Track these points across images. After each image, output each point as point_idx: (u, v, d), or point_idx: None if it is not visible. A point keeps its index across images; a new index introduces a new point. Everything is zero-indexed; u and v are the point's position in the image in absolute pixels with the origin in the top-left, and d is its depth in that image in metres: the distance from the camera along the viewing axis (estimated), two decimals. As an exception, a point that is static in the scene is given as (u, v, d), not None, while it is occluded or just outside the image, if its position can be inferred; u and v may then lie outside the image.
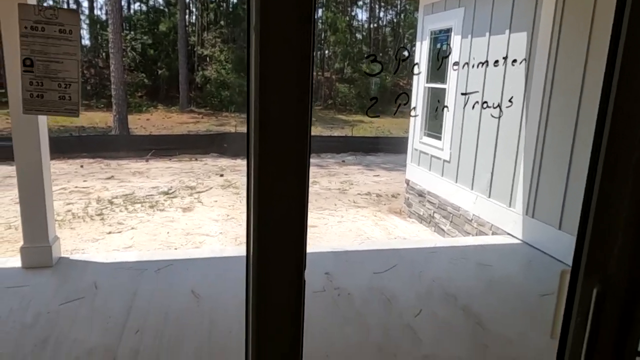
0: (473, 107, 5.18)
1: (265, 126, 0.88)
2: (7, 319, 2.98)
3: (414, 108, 6.83)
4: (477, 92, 5.40)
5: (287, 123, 0.89)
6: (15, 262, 3.79)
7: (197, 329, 2.93)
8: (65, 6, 25.33)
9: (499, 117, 5.16)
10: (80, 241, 5.97)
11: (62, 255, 4.01)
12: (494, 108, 4.90)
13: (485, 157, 5.46)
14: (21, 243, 3.75)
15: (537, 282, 3.86)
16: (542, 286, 3.76)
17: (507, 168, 5.05)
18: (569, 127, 4.19)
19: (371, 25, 30.09)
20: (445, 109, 5.73)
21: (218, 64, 24.70)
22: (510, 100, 4.80)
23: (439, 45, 6.72)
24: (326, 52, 28.68)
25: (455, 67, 5.87)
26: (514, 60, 4.87)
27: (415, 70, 6.84)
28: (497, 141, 5.25)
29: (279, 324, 0.96)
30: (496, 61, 5.19)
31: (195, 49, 25.19)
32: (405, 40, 29.00)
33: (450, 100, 6.24)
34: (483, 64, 5.31)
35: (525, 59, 4.72)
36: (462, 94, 5.68)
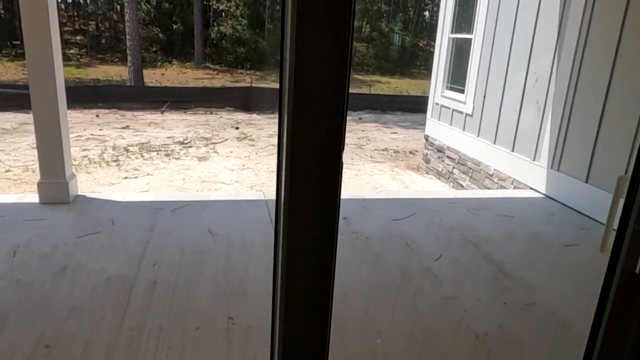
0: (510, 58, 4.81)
1: (300, 83, 0.77)
2: (26, 249, 2.98)
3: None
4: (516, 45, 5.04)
5: (324, 74, 0.78)
6: (33, 198, 3.79)
7: (213, 263, 2.91)
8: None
9: (528, 67, 4.92)
10: (97, 185, 5.98)
11: (79, 193, 4.00)
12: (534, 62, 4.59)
13: (510, 110, 5.26)
14: (39, 179, 3.74)
15: (560, 234, 3.76)
16: (565, 238, 3.66)
17: (533, 121, 4.86)
18: (602, 77, 3.97)
19: (392, -18, 28.98)
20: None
21: (234, 19, 24.16)
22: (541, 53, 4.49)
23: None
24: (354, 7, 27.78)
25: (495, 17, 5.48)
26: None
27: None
28: (524, 93, 5.03)
29: (309, 270, 0.88)
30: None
31: (210, 4, 24.62)
32: (427, -1, 27.99)
33: (476, 49, 5.98)
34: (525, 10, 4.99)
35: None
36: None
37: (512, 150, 5.20)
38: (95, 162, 6.93)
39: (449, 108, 6.69)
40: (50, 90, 3.55)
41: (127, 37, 17.13)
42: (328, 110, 0.80)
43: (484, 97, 5.79)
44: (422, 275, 2.93)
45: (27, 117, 8.89)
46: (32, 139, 3.65)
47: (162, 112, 11.99)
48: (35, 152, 3.65)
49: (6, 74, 17.23)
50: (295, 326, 0.92)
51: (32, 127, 3.62)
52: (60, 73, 3.64)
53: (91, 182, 5.99)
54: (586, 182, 4.14)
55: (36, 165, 3.68)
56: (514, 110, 5.17)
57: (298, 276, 0.89)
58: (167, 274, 2.77)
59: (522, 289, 2.82)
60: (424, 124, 7.45)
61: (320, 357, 0.95)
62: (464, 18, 6.51)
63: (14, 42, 20.22)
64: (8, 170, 6.29)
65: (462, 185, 6.23)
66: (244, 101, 13.38)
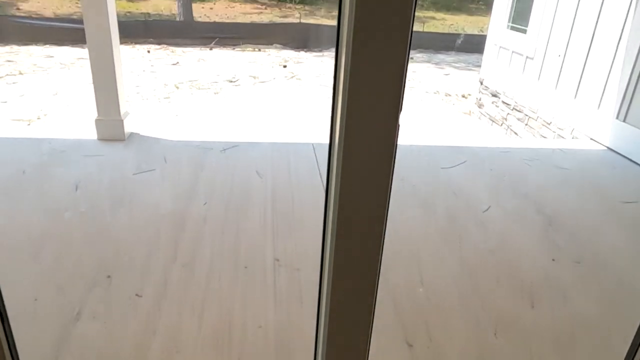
0: None
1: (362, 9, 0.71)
2: (87, 183, 3.16)
3: None
4: None
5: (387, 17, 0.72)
6: (92, 134, 3.95)
7: (260, 204, 2.98)
8: None
9: (601, 6, 4.45)
10: (150, 121, 6.16)
11: (133, 131, 4.14)
12: None
13: (576, 54, 4.87)
14: (96, 116, 3.88)
15: (620, 189, 3.57)
16: (626, 193, 3.47)
17: (601, 66, 4.50)
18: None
19: None
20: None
21: (283, -51, 23.17)
22: None
23: None
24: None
25: None
26: None
27: None
28: (594, 35, 4.62)
29: (361, 215, 0.87)
30: None
31: None
32: None
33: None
34: None
35: None
36: None
37: (575, 97, 4.87)
38: (147, 99, 7.10)
39: (507, 49, 6.28)
40: (104, 26, 3.58)
41: (176, -30, 16.87)
42: (390, 49, 0.76)
43: (548, 38, 5.37)
44: (468, 224, 2.90)
45: (83, 52, 9.13)
46: (89, 74, 3.75)
47: (210, 49, 11.97)
48: (91, 87, 3.77)
49: (61, 7, 17.56)
50: (345, 262, 0.92)
51: (88, 63, 3.71)
52: (113, 7, 3.65)
53: (144, 118, 6.17)
54: (655, 134, 3.86)
55: (93, 102, 3.81)
56: (582, 54, 4.79)
57: (349, 218, 0.89)
58: (216, 210, 2.87)
59: (572, 243, 2.74)
60: (478, 65, 7.06)
61: (369, 294, 0.96)
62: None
63: (67, -25, 20.38)
64: (67, 105, 6.57)
65: (516, 133, 5.97)
66: (292, 38, 13.10)
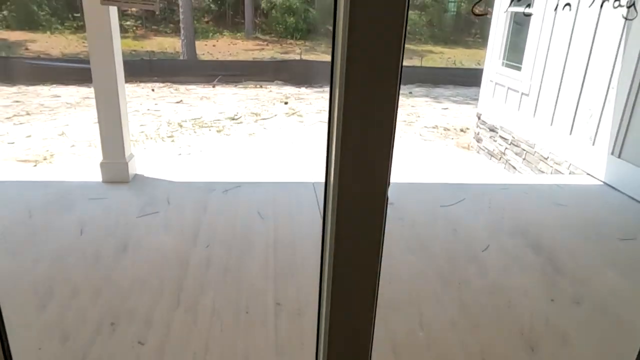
0: (602, 5, 4.31)
1: (354, 47, 0.78)
2: (92, 226, 3.22)
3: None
4: None
5: (378, 45, 0.78)
6: (97, 176, 4.04)
7: (262, 246, 3.02)
8: None
9: (633, 19, 4.34)
10: (153, 161, 6.27)
11: (137, 172, 4.23)
12: (628, 7, 4.08)
13: (570, 90, 5.00)
14: (101, 159, 3.97)
15: (618, 226, 3.61)
16: (623, 230, 3.51)
17: (595, 103, 4.61)
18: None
19: (448, -55, 27.57)
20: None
21: (284, -13, 23.93)
22: None
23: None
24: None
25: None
26: None
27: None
28: (586, 73, 4.76)
29: (357, 250, 0.91)
30: None
31: (261, -28, 24.48)
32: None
33: (535, 25, 5.67)
34: None
35: None
36: None
37: (570, 134, 4.97)
38: (151, 138, 7.24)
39: (503, 86, 6.44)
40: (110, 66, 3.68)
41: (180, 10, 17.43)
42: (380, 86, 0.81)
43: (542, 75, 5.52)
44: (468, 264, 2.93)
45: (89, 91, 9.35)
46: (94, 113, 3.85)
47: (213, 86, 12.24)
48: (96, 127, 3.88)
49: (69, 46, 18.06)
50: (341, 311, 0.96)
51: (94, 102, 3.82)
52: (119, 46, 3.75)
53: (148, 159, 6.28)
54: (650, 170, 3.93)
55: (99, 141, 3.91)
56: (574, 91, 4.91)
57: (344, 260, 0.92)
58: (218, 254, 2.92)
59: (571, 283, 2.76)
60: (476, 99, 7.21)
61: (364, 343, 0.99)
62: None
63: (75, 15, 21.06)
64: (73, 145, 6.70)
65: (514, 167, 6.05)
66: (294, 74, 13.40)
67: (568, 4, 4.96)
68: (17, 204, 3.53)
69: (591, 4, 4.63)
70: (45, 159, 6.18)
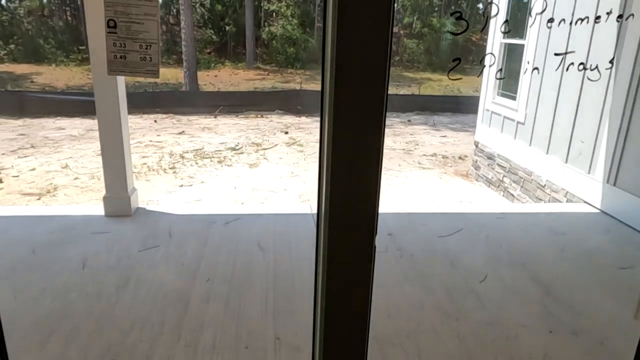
0: (567, 68, 4.74)
1: (341, 83, 0.85)
2: (94, 261, 3.26)
3: (493, 65, 6.41)
4: (573, 52, 4.92)
5: (363, 80, 0.85)
6: (99, 210, 4.10)
7: (262, 280, 3.06)
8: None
9: (597, 80, 4.68)
10: (155, 192, 6.34)
11: (139, 205, 4.29)
12: (591, 70, 4.47)
13: (564, 120, 5.10)
14: (103, 193, 4.04)
15: (615, 254, 3.64)
16: (621, 259, 3.54)
17: (589, 132, 4.70)
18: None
19: (444, -25, 28.36)
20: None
21: (284, 19, 24.53)
22: (611, 62, 4.35)
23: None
24: (395, 5, 27.55)
25: (550, 24, 5.34)
26: (610, 13, 4.41)
27: (503, 28, 6.36)
28: (579, 103, 4.87)
29: (347, 285, 0.96)
30: (586, 17, 4.73)
31: (261, 5, 25.12)
32: (481, -9, 27.13)
33: (529, 57, 5.82)
34: (582, 20, 4.81)
35: (621, 15, 4.26)
36: (556, 54, 5.21)
37: (566, 162, 5.04)
38: (153, 170, 7.34)
39: (499, 115, 6.55)
40: (113, 100, 3.77)
41: (182, 42, 17.84)
42: (367, 119, 0.86)
43: (537, 105, 5.63)
44: (465, 296, 2.95)
45: (93, 123, 9.52)
46: (97, 145, 3.92)
47: (215, 116, 12.43)
48: (100, 159, 3.95)
49: (73, 78, 18.42)
50: (333, 346, 0.99)
51: (97, 134, 3.90)
52: (122, 78, 3.84)
53: (150, 190, 6.36)
54: (645, 199, 3.97)
55: (101, 173, 3.98)
56: (569, 120, 5.01)
57: (336, 292, 0.95)
58: (219, 289, 2.95)
59: (570, 314, 2.78)
60: (474, 126, 7.32)
61: None
62: (516, 23, 6.34)
63: (80, 47, 21.54)
64: (76, 178, 6.80)
65: (512, 195, 6.10)
66: (294, 104, 13.61)
67: (536, 68, 5.23)
68: (20, 240, 3.58)
69: (557, 68, 4.88)
70: (48, 192, 6.26)
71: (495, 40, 6.69)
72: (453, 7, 27.91)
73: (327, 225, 0.92)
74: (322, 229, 0.94)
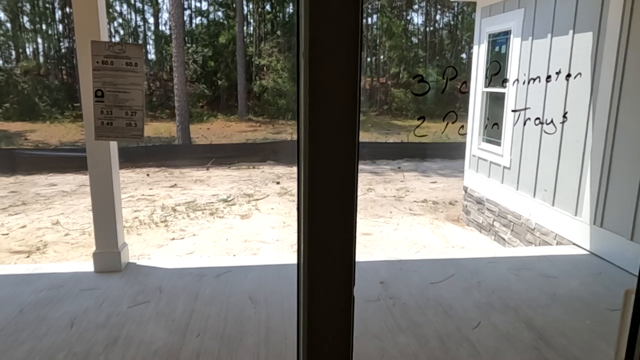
0: (525, 123, 5.02)
1: (314, 138, 0.91)
2: (82, 319, 3.21)
3: (462, 126, 6.72)
4: (529, 108, 5.22)
5: (335, 134, 0.92)
6: (89, 266, 4.07)
7: (254, 334, 3.02)
8: (131, 40, 27.07)
9: (553, 133, 4.97)
10: (147, 246, 6.30)
11: (130, 260, 4.26)
12: (547, 124, 4.73)
13: (548, 164, 5.23)
14: (94, 248, 4.03)
15: (606, 296, 3.64)
16: (612, 300, 3.54)
17: (572, 175, 4.81)
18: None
19: (427, 29, 29.65)
20: (495, 126, 5.60)
21: (275, 73, 25.28)
22: (564, 116, 4.61)
23: (497, 48, 6.53)
24: (381, 57, 28.59)
25: (505, 85, 5.70)
26: (569, 75, 4.70)
27: (484, 83, 6.66)
28: (561, 147, 5.01)
29: (329, 334, 0.98)
30: (549, 76, 5.02)
31: (253, 59, 25.94)
32: (463, 42, 28.32)
33: (509, 106, 6.03)
34: (534, 79, 5.14)
35: (579, 74, 4.54)
36: (513, 110, 5.51)
37: (553, 205, 5.12)
38: (145, 224, 7.32)
39: (486, 160, 6.69)
40: (105, 154, 3.83)
41: (175, 97, 18.23)
42: (340, 173, 0.91)
43: (521, 150, 5.78)
44: (459, 344, 2.92)
45: (85, 178, 9.55)
46: (89, 200, 3.96)
47: (207, 169, 12.54)
48: (91, 214, 3.96)
49: (67, 134, 18.61)
50: None
51: (88, 189, 3.94)
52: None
53: (141, 244, 6.32)
54: (631, 239, 4.03)
55: (92, 228, 3.98)
56: (552, 163, 5.14)
57: (317, 343, 0.96)
58: (210, 344, 2.90)
59: (564, 359, 2.76)
60: (463, 171, 7.45)
61: None
62: (496, 73, 6.61)
63: (75, 104, 21.92)
64: (67, 234, 6.76)
65: (503, 239, 6.13)
66: (285, 154, 13.80)
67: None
68: (8, 299, 3.53)
69: (515, 123, 5.16)
70: (38, 249, 6.20)
71: (478, 88, 6.95)
72: (437, 58, 28.97)
73: (306, 277, 0.95)
74: (302, 280, 0.98)
